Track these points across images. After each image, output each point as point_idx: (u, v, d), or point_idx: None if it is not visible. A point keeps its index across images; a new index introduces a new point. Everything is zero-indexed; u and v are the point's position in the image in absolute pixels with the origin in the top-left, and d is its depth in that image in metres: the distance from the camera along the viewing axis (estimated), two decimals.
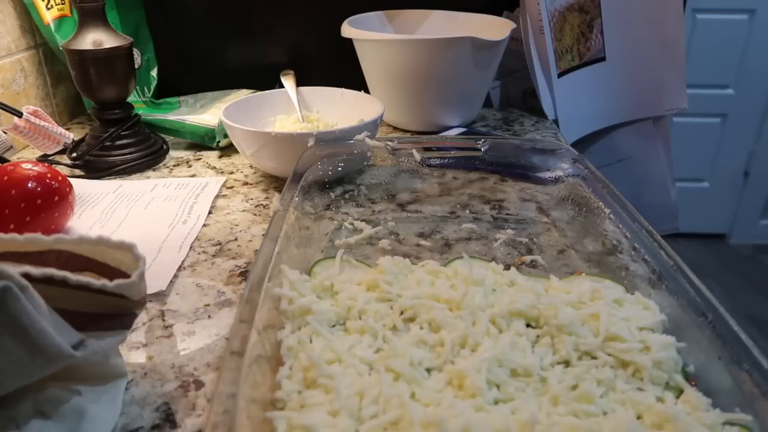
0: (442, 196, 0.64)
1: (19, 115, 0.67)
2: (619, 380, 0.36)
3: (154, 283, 0.49)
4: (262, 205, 0.65)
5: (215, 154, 0.79)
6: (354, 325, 0.40)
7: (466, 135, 0.83)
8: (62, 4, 0.83)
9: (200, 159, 0.78)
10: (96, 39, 0.69)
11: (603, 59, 0.92)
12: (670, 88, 0.96)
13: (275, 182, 0.70)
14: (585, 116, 0.93)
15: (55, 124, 0.71)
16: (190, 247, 0.56)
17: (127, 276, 0.34)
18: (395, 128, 0.87)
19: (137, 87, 0.90)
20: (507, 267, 0.48)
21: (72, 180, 0.58)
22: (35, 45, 0.84)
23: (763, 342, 1.75)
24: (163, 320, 0.46)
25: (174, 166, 0.76)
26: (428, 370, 0.37)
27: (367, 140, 0.61)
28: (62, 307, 0.31)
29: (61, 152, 0.74)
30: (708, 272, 2.13)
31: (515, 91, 0.96)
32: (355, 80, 0.82)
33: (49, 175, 0.54)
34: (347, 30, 0.82)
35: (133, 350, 0.43)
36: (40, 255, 0.35)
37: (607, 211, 0.51)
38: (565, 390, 0.35)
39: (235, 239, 0.58)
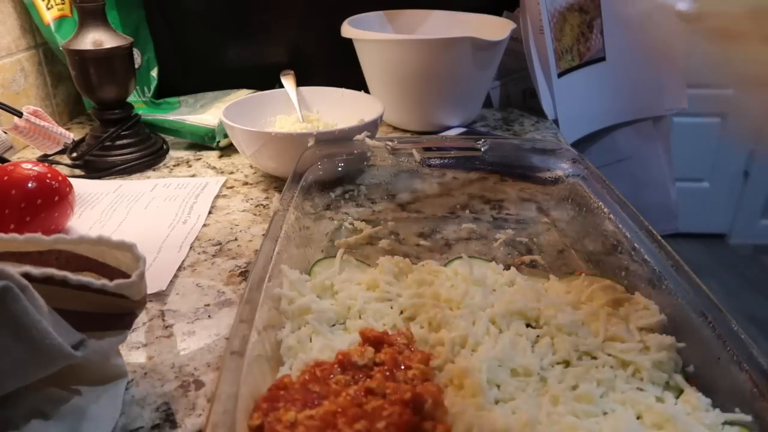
0: (442, 196, 0.64)
1: (19, 115, 0.67)
2: (619, 380, 0.36)
3: (154, 283, 0.49)
4: (262, 205, 0.65)
5: (215, 154, 0.79)
6: (354, 325, 0.40)
7: (466, 135, 0.83)
8: (62, 4, 0.83)
9: (200, 159, 0.78)
10: (96, 39, 0.69)
11: (603, 59, 0.92)
12: (670, 88, 0.96)
13: (275, 182, 0.70)
14: (585, 116, 0.93)
15: (55, 124, 0.71)
16: (190, 247, 0.56)
17: (127, 276, 0.34)
18: (395, 128, 0.87)
19: (137, 87, 0.90)
20: (507, 267, 0.48)
21: (72, 180, 0.58)
22: (35, 45, 0.84)
23: (763, 342, 1.75)
24: (163, 320, 0.46)
25: (174, 166, 0.76)
26: None
27: (367, 140, 0.61)
28: (62, 307, 0.31)
29: (61, 152, 0.74)
30: (708, 272, 2.13)
31: (515, 91, 0.96)
32: (355, 80, 0.82)
33: (49, 175, 0.54)
34: (347, 30, 0.82)
35: (133, 350, 0.43)
36: (40, 255, 0.35)
37: (607, 211, 0.51)
38: (565, 390, 0.35)
39: (235, 239, 0.58)
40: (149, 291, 0.47)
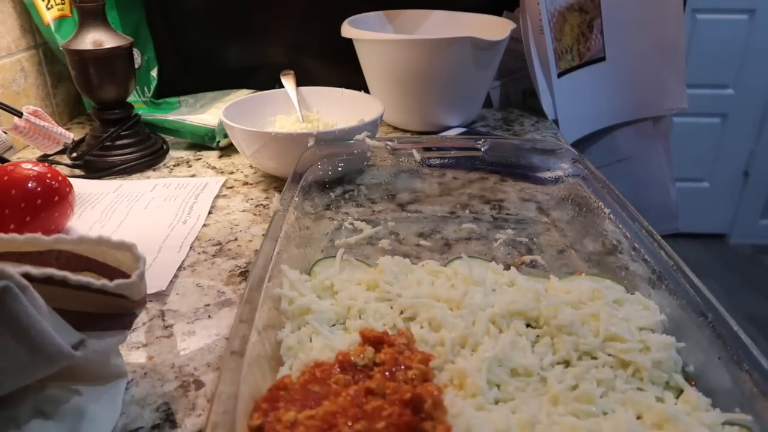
0: (442, 196, 0.64)
1: (19, 115, 0.67)
2: (619, 380, 0.36)
3: (154, 283, 0.49)
4: (262, 205, 0.65)
5: (215, 154, 0.79)
6: (354, 325, 0.40)
7: (466, 135, 0.83)
8: (62, 4, 0.83)
9: (200, 159, 0.78)
10: (96, 39, 0.69)
11: (603, 59, 0.92)
12: (670, 88, 0.96)
13: (275, 182, 0.70)
14: (585, 116, 0.93)
15: (55, 124, 0.71)
16: (190, 247, 0.56)
17: (127, 276, 0.34)
18: (395, 128, 0.87)
19: (137, 87, 0.90)
20: (507, 267, 0.48)
21: (72, 180, 0.58)
22: (35, 45, 0.84)
23: (763, 342, 1.75)
24: (163, 320, 0.46)
25: (174, 166, 0.76)
26: None
27: (367, 140, 0.61)
28: (62, 307, 0.31)
29: (61, 152, 0.74)
30: (708, 272, 2.13)
31: (515, 91, 0.96)
32: (355, 80, 0.82)
33: (49, 175, 0.54)
34: (347, 30, 0.82)
35: (133, 350, 0.43)
36: (40, 255, 0.35)
37: (607, 211, 0.51)
38: (565, 390, 0.35)
39: (235, 239, 0.58)
40: (149, 291, 0.47)
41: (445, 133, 0.84)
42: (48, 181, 0.53)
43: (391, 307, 0.42)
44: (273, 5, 0.93)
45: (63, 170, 0.69)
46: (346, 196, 0.61)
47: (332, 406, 0.30)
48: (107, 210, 0.62)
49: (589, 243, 0.53)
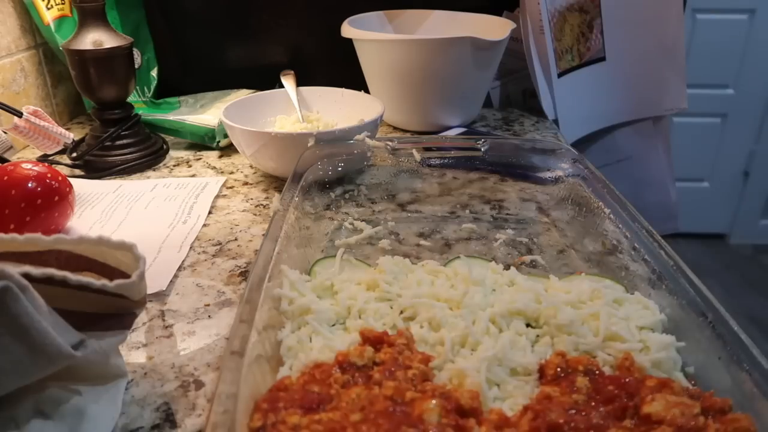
0: (442, 196, 0.64)
1: (19, 115, 0.67)
2: None
3: (154, 283, 0.49)
4: (262, 205, 0.65)
5: (215, 154, 0.79)
6: (354, 325, 0.40)
7: (466, 135, 0.83)
8: (62, 4, 0.83)
9: (200, 159, 0.78)
10: (96, 39, 0.69)
11: (603, 59, 0.92)
12: (670, 88, 0.96)
13: (275, 182, 0.70)
14: (585, 116, 0.93)
15: (55, 124, 0.71)
16: (190, 247, 0.56)
17: (127, 276, 0.34)
18: (395, 128, 0.87)
19: (137, 87, 0.90)
20: (507, 267, 0.48)
21: (72, 180, 0.58)
22: (35, 45, 0.84)
23: (763, 342, 1.75)
24: (163, 320, 0.46)
25: (174, 166, 0.76)
26: None
27: (367, 140, 0.61)
28: (62, 307, 0.31)
29: (61, 152, 0.74)
30: (708, 272, 2.13)
31: (515, 91, 0.96)
32: (355, 80, 0.82)
33: (49, 175, 0.54)
34: (347, 30, 0.82)
35: (133, 350, 0.43)
36: (40, 255, 0.35)
37: (607, 211, 0.51)
38: None
39: (235, 239, 0.58)
40: (149, 291, 0.47)
41: (445, 133, 0.84)
42: (48, 181, 0.53)
43: (391, 307, 0.42)
44: (273, 5, 0.93)
45: (63, 170, 0.69)
46: (346, 196, 0.61)
47: (336, 414, 0.30)
48: (107, 210, 0.62)
49: (589, 243, 0.53)
